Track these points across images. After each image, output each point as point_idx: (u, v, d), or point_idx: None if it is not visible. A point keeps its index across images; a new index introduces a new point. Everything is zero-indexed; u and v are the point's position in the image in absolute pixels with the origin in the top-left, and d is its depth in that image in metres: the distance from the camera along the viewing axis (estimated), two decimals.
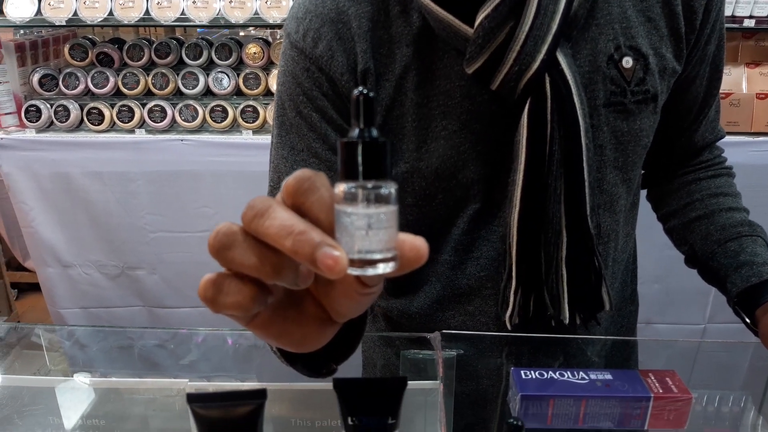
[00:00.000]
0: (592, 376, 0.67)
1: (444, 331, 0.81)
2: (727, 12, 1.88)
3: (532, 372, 0.67)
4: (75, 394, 0.73)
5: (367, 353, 0.94)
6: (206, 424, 0.44)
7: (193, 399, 0.44)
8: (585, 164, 0.67)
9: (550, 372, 0.68)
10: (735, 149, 1.94)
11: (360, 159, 0.29)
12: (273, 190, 0.75)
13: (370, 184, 0.29)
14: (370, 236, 0.29)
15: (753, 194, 1.98)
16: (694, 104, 0.79)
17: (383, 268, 0.30)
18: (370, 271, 0.29)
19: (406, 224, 0.76)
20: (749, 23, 1.87)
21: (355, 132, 0.30)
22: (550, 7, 0.61)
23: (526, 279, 0.72)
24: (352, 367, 0.65)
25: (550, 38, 0.62)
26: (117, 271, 2.28)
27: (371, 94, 0.31)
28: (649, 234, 0.93)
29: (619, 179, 0.74)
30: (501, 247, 0.73)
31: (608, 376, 0.67)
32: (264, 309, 0.35)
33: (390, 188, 0.30)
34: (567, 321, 0.73)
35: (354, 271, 0.29)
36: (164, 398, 0.72)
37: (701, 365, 0.88)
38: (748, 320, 0.74)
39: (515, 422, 0.47)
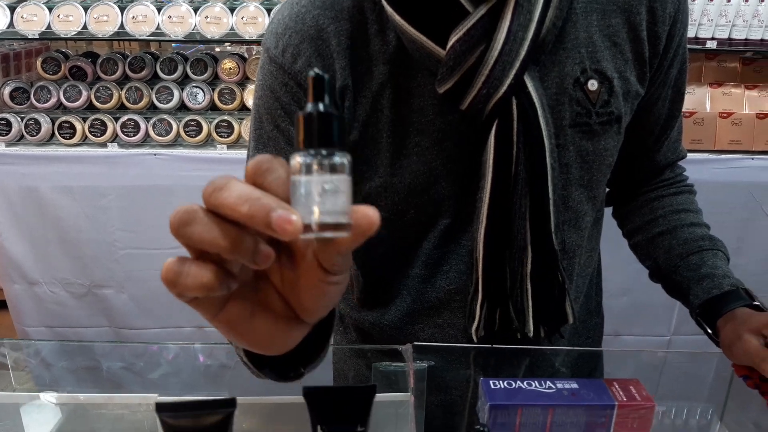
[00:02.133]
0: (559, 386, 0.68)
1: (416, 343, 0.82)
2: (691, 33, 1.94)
3: (501, 382, 0.69)
4: (41, 412, 0.72)
5: (338, 365, 0.94)
6: None
7: (162, 408, 0.44)
8: (550, 183, 0.69)
9: (518, 382, 0.69)
10: (699, 167, 2.00)
11: (312, 129, 0.32)
12: None
13: (323, 152, 0.31)
14: (323, 201, 0.31)
15: (717, 211, 2.03)
16: (656, 125, 0.82)
17: (336, 234, 0.31)
18: (327, 234, 0.31)
19: (378, 238, 0.77)
20: (711, 44, 1.94)
21: (308, 106, 0.32)
22: (519, 33, 0.63)
23: (491, 293, 0.74)
24: (322, 380, 0.66)
25: (518, 63, 0.64)
26: (83, 290, 2.24)
27: (324, 75, 0.33)
28: (616, 248, 0.95)
29: (584, 197, 0.76)
30: (469, 262, 0.75)
31: (574, 385, 0.68)
32: (230, 304, 0.35)
33: (343, 158, 0.32)
34: (531, 334, 0.75)
35: (309, 236, 0.31)
36: (132, 414, 0.71)
37: (665, 375, 0.90)
38: (710, 331, 0.76)
39: (482, 429, 0.48)
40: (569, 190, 0.74)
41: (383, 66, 0.68)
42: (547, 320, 0.76)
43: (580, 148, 0.72)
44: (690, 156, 2.08)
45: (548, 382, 0.69)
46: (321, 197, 0.31)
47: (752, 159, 2.02)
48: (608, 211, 0.92)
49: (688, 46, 1.98)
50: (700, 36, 1.94)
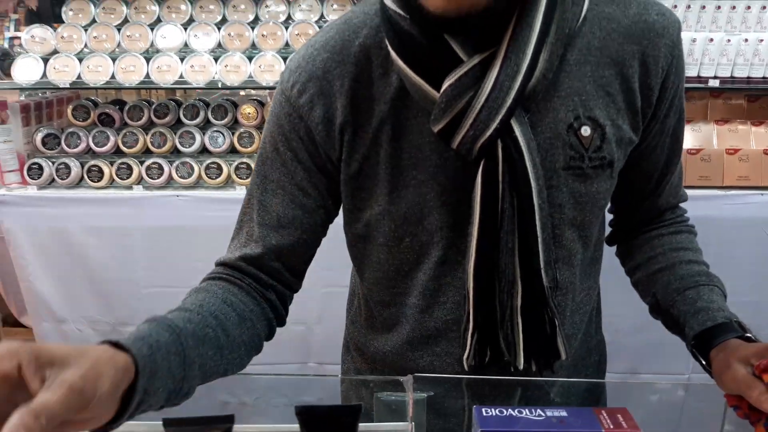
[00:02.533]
0: (549, 413, 0.71)
1: (416, 374, 0.86)
2: (693, 72, 1.99)
3: (493, 410, 0.72)
4: None
5: (344, 393, 0.98)
6: None
7: (168, 423, 0.49)
8: (538, 222, 0.73)
9: (509, 410, 0.72)
10: (709, 203, 2.03)
11: None
12: (243, 209, 0.83)
13: None
14: None
15: (726, 246, 2.07)
16: (655, 171, 0.86)
17: None
18: None
19: (378, 263, 0.83)
20: (714, 83, 1.99)
21: None
22: (506, 83, 0.68)
23: (482, 324, 0.77)
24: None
25: (503, 110, 0.69)
26: (108, 328, 2.31)
27: None
28: (630, 286, 0.97)
29: (576, 236, 0.80)
30: (464, 294, 0.79)
31: (563, 413, 0.71)
32: None
33: None
34: (521, 367, 0.78)
35: None
36: None
37: (661, 406, 0.92)
38: (703, 362, 0.79)
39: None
40: (562, 229, 0.78)
41: (384, 105, 0.75)
42: (538, 355, 0.79)
43: (573, 190, 0.76)
44: (699, 192, 2.11)
45: (538, 410, 0.72)
46: None
47: (762, 195, 2.04)
48: (607, 251, 0.96)
49: (692, 85, 2.03)
50: (702, 75, 1.99)
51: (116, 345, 0.55)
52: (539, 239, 0.74)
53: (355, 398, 0.95)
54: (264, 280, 0.80)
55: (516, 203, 0.73)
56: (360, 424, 0.93)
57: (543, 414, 0.71)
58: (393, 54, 0.72)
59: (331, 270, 2.03)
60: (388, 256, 0.81)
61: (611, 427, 0.69)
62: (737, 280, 2.11)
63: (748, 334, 0.76)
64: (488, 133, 0.69)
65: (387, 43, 0.73)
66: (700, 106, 2.22)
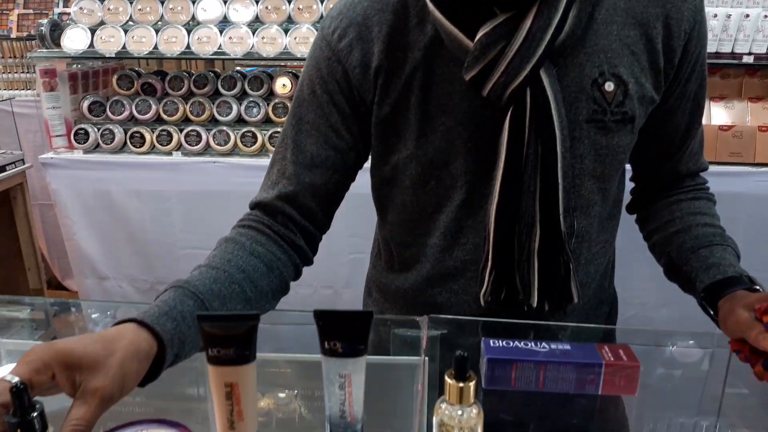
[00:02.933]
0: (553, 347, 0.75)
1: (432, 314, 0.90)
2: (727, 49, 1.98)
3: (500, 342, 0.76)
4: None
5: None
6: (211, 339, 0.56)
7: (202, 319, 0.56)
8: (560, 169, 0.77)
9: (516, 342, 0.76)
10: (738, 179, 2.02)
11: None
12: (277, 148, 0.86)
13: None
14: None
15: (756, 223, 2.05)
16: (676, 135, 0.89)
17: None
18: None
19: (402, 205, 0.88)
20: (748, 59, 1.97)
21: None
22: (537, 35, 0.72)
23: (500, 263, 0.82)
24: None
25: (534, 60, 0.73)
26: (147, 286, 2.43)
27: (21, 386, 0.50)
28: (656, 262, 0.99)
29: (596, 187, 0.83)
30: (484, 236, 0.83)
31: (567, 347, 0.75)
32: None
33: None
34: (535, 306, 0.82)
35: None
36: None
37: (665, 354, 0.95)
38: (712, 312, 0.82)
39: (461, 354, 0.57)
40: (582, 180, 0.81)
41: (418, 52, 0.79)
42: (552, 296, 0.83)
43: (595, 143, 0.80)
44: (730, 169, 2.10)
45: (543, 344, 0.75)
46: None
47: None
48: (624, 215, 0.97)
49: (725, 61, 2.01)
50: (737, 51, 1.97)
51: (142, 323, 0.63)
52: (560, 186, 0.77)
53: (375, 334, 1.00)
54: (297, 220, 0.84)
55: (540, 150, 0.76)
56: (377, 357, 0.99)
57: (547, 347, 0.74)
58: (430, 4, 0.76)
59: (357, 237, 2.11)
60: (413, 199, 0.86)
61: (611, 359, 0.72)
62: (764, 259, 2.11)
63: (757, 287, 0.78)
64: (518, 81, 0.73)
65: None
66: (734, 83, 2.20)
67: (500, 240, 0.81)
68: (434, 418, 0.58)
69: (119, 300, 2.43)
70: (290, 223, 0.84)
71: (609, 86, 0.78)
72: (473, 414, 0.57)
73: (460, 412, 0.56)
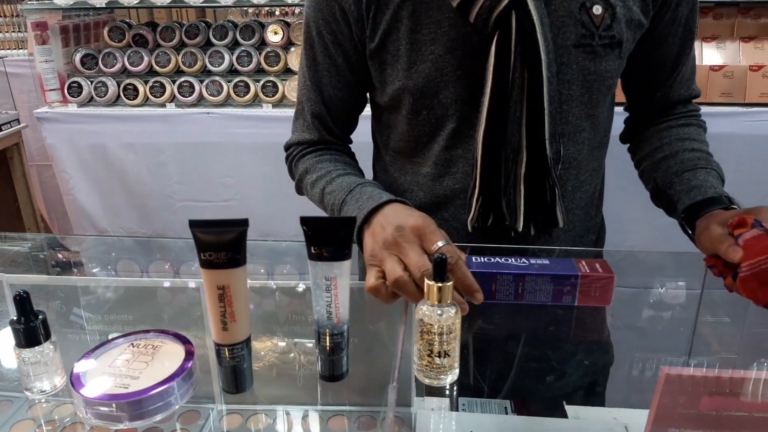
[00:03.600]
0: (532, 261, 0.78)
1: None
2: None
3: (483, 258, 0.79)
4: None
5: (360, 262, 1.07)
6: (204, 245, 0.59)
7: (193, 224, 0.59)
8: (546, 94, 0.78)
9: (497, 258, 0.79)
10: (728, 120, 2.03)
11: None
12: (300, 90, 0.94)
13: None
14: None
15: (747, 163, 2.07)
16: (667, 60, 0.89)
17: None
18: None
19: (401, 133, 0.91)
20: None
21: None
22: None
23: (487, 189, 0.84)
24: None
25: None
26: (145, 239, 2.46)
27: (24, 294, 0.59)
28: (648, 202, 1.00)
29: (583, 114, 0.84)
30: (473, 163, 0.84)
31: (545, 261, 0.78)
32: None
33: None
34: (521, 229, 0.84)
35: None
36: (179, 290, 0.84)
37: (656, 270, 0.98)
38: (690, 232, 0.84)
39: (440, 257, 0.60)
40: (570, 105, 0.83)
41: None
42: (537, 221, 0.85)
43: (583, 68, 0.81)
44: (720, 109, 2.10)
45: (522, 259, 0.78)
46: None
47: None
48: (616, 145, 0.99)
49: (718, 0, 1.97)
50: None
51: (401, 201, 0.77)
52: (546, 111, 0.79)
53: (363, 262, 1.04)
54: (334, 142, 0.96)
55: (526, 75, 0.77)
56: (362, 282, 1.02)
57: (527, 261, 0.77)
58: None
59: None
60: (408, 128, 0.87)
61: (587, 271, 0.75)
62: (755, 197, 2.13)
63: (734, 206, 0.80)
64: (504, 4, 0.74)
65: None
66: (727, 24, 2.19)
67: (487, 166, 0.82)
68: (415, 318, 0.61)
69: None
70: (338, 141, 0.97)
71: (597, 9, 0.78)
72: (451, 313, 0.60)
73: (439, 312, 0.60)
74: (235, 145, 2.27)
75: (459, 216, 0.90)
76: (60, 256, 1.09)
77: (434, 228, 0.68)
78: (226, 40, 2.36)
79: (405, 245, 0.67)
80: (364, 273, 0.72)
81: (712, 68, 2.03)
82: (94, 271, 1.10)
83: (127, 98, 2.33)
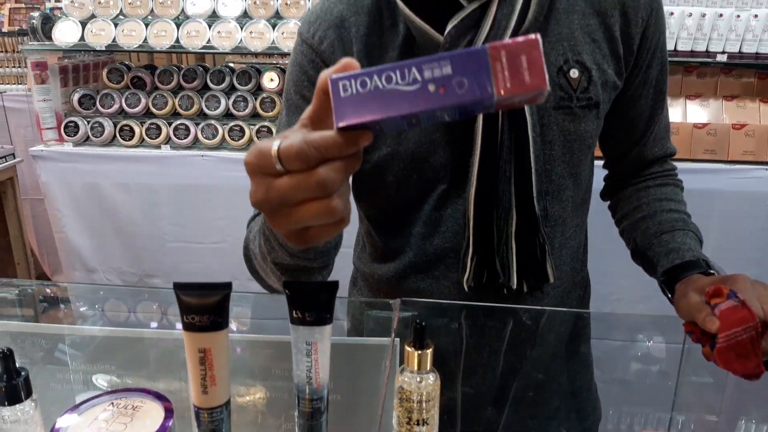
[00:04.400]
0: (426, 74, 0.45)
1: (404, 298, 0.94)
2: (701, 47, 2.03)
3: (353, 83, 0.46)
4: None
5: (348, 314, 1.08)
6: (187, 307, 0.60)
7: (178, 287, 0.60)
8: (532, 154, 0.81)
9: (375, 78, 0.46)
10: (712, 176, 2.07)
11: None
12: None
13: None
14: None
15: (731, 219, 2.10)
16: (640, 120, 0.93)
17: None
18: None
19: (386, 197, 0.92)
20: (722, 58, 2.02)
21: None
22: (503, 22, 0.76)
23: (481, 248, 0.85)
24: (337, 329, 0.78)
25: None
26: (135, 279, 2.46)
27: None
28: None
29: (566, 172, 0.87)
30: (463, 222, 0.86)
31: (447, 70, 0.45)
32: None
33: None
34: (515, 287, 0.86)
35: None
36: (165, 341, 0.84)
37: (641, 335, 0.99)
38: (669, 296, 0.86)
39: (419, 323, 0.61)
40: (552, 165, 0.85)
41: (393, 51, 0.82)
42: (529, 277, 0.86)
43: (563, 129, 0.83)
44: (704, 166, 2.14)
45: (413, 72, 0.45)
46: None
47: (766, 169, 2.08)
48: (596, 199, 1.01)
49: (700, 59, 2.04)
50: (711, 50, 2.02)
51: None
52: (533, 170, 0.81)
53: (350, 316, 1.05)
54: None
55: (513, 136, 0.80)
56: (350, 338, 1.02)
57: (418, 78, 0.45)
58: (400, 3, 0.80)
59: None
60: (396, 193, 0.89)
61: (509, 86, 0.45)
62: (739, 252, 2.18)
63: (712, 271, 0.82)
64: None
65: None
66: (710, 82, 2.25)
67: (480, 225, 0.84)
68: (395, 385, 0.62)
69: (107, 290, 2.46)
70: None
71: (574, 73, 0.82)
72: (431, 381, 0.61)
73: (418, 379, 0.60)
74: (228, 188, 2.29)
75: (450, 274, 0.91)
76: (46, 303, 1.10)
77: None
78: (223, 85, 2.40)
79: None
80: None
81: (696, 126, 2.08)
82: (82, 310, 1.10)
83: (123, 139, 2.36)
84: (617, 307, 2.24)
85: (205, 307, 0.60)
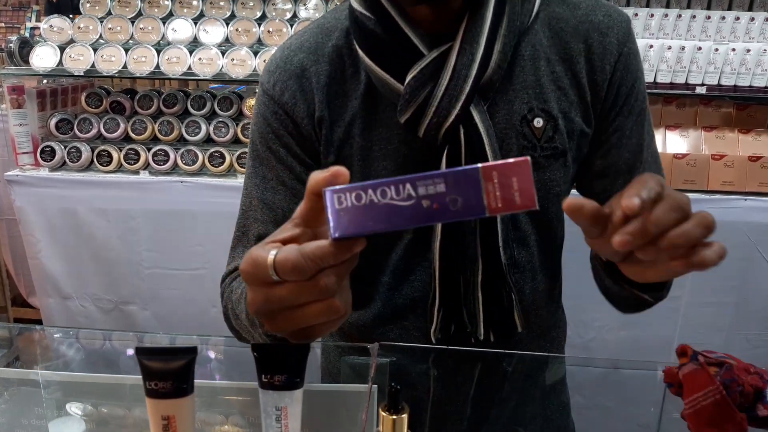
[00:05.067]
0: (420, 191, 0.46)
1: (382, 342, 0.93)
2: (681, 80, 2.06)
3: (348, 196, 0.47)
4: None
5: (321, 357, 1.06)
6: (149, 373, 0.57)
7: (140, 352, 0.58)
8: None
9: (370, 192, 0.47)
10: (694, 206, 2.07)
11: None
12: (244, 213, 0.86)
13: None
14: None
15: None
16: (619, 173, 0.89)
17: None
18: None
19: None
20: (701, 90, 2.05)
21: None
22: (463, 72, 0.74)
23: (447, 300, 0.84)
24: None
25: (463, 97, 0.75)
26: (111, 306, 2.42)
27: None
28: None
29: (529, 219, 0.85)
30: (431, 273, 0.85)
31: (440, 188, 0.46)
32: None
33: None
34: (482, 337, 0.85)
35: None
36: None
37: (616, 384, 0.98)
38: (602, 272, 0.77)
39: (394, 386, 0.59)
40: (517, 213, 0.83)
41: (355, 100, 0.81)
42: (497, 326, 0.85)
43: None
44: None
45: (408, 188, 0.47)
46: None
47: (745, 200, 2.10)
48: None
49: (679, 91, 2.07)
50: (690, 82, 2.05)
51: None
52: (498, 219, 0.80)
53: (325, 363, 1.02)
54: None
55: None
56: (326, 385, 1.00)
57: (413, 194, 0.46)
58: (360, 51, 0.78)
59: None
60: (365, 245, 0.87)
61: (499, 205, 0.46)
62: (719, 281, 2.19)
63: None
64: (450, 119, 0.76)
65: (355, 42, 0.78)
66: (689, 113, 2.28)
67: (445, 276, 0.83)
68: None
69: (82, 320, 2.41)
70: None
71: (538, 122, 0.80)
72: None
73: None
74: (208, 214, 2.26)
75: (419, 324, 0.90)
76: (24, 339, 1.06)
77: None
78: (204, 110, 2.38)
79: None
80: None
81: (676, 156, 2.09)
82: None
83: (101, 164, 2.32)
84: (599, 334, 2.24)
85: (168, 372, 0.57)
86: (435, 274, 0.83)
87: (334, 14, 0.85)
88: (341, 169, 0.48)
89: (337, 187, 0.47)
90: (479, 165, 0.46)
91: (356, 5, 0.78)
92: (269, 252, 0.49)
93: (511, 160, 0.46)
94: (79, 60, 2.27)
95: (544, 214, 0.87)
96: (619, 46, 0.81)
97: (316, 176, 0.49)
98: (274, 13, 2.35)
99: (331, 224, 0.47)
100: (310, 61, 0.82)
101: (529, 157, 0.45)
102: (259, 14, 2.36)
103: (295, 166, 0.83)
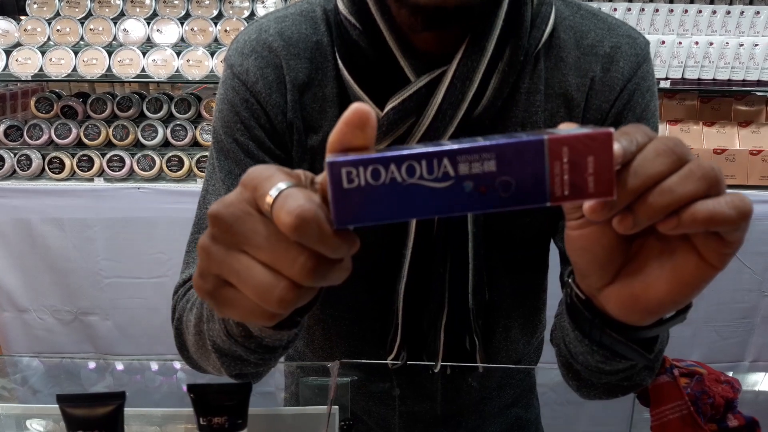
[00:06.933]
0: (462, 169, 0.33)
1: (343, 360, 0.89)
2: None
3: (362, 172, 0.33)
4: None
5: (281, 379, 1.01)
6: (74, 422, 0.52)
7: (62, 399, 0.52)
8: (470, 249, 0.73)
9: (392, 168, 0.33)
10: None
11: None
12: (203, 212, 0.76)
13: None
14: None
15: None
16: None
17: None
18: None
19: None
20: (665, 84, 2.04)
21: None
22: (449, 111, 0.65)
23: (408, 336, 0.79)
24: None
25: (446, 138, 0.66)
26: (71, 317, 2.32)
27: None
28: None
29: (504, 260, 0.78)
30: (393, 310, 0.79)
31: (490, 165, 0.33)
32: None
33: None
34: (437, 370, 0.80)
35: None
36: None
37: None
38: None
39: (347, 422, 0.55)
40: (493, 262, 0.77)
41: (336, 109, 0.71)
42: (456, 363, 0.81)
43: (508, 220, 0.74)
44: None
45: (445, 164, 0.33)
46: None
47: None
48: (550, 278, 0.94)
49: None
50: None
51: None
52: (470, 266, 0.74)
53: (287, 382, 0.98)
54: None
55: (450, 233, 0.72)
56: (283, 408, 0.95)
57: (452, 173, 0.33)
58: (340, 63, 0.69)
59: None
60: None
61: (565, 193, 0.35)
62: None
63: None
64: None
65: (335, 48, 0.69)
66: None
67: (408, 318, 0.78)
68: None
69: (41, 332, 2.32)
70: None
71: None
72: None
73: None
74: (168, 221, 2.18)
75: (377, 352, 0.84)
76: None
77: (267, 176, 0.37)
78: (161, 113, 2.30)
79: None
80: None
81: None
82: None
83: (53, 172, 2.23)
84: None
85: (94, 420, 0.52)
86: (398, 314, 0.78)
87: (320, 1, 0.74)
88: (364, 108, 0.34)
89: (348, 157, 0.33)
90: (545, 135, 0.33)
91: (342, 8, 0.68)
92: (276, 183, 0.35)
93: (588, 130, 0.33)
94: (27, 63, 2.17)
95: (521, 261, 0.80)
96: (623, 81, 0.71)
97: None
98: (231, 12, 2.27)
99: (334, 209, 0.34)
100: (290, 54, 0.71)
101: (612, 129, 0.33)
102: (215, 13, 2.28)
103: (267, 162, 0.72)
